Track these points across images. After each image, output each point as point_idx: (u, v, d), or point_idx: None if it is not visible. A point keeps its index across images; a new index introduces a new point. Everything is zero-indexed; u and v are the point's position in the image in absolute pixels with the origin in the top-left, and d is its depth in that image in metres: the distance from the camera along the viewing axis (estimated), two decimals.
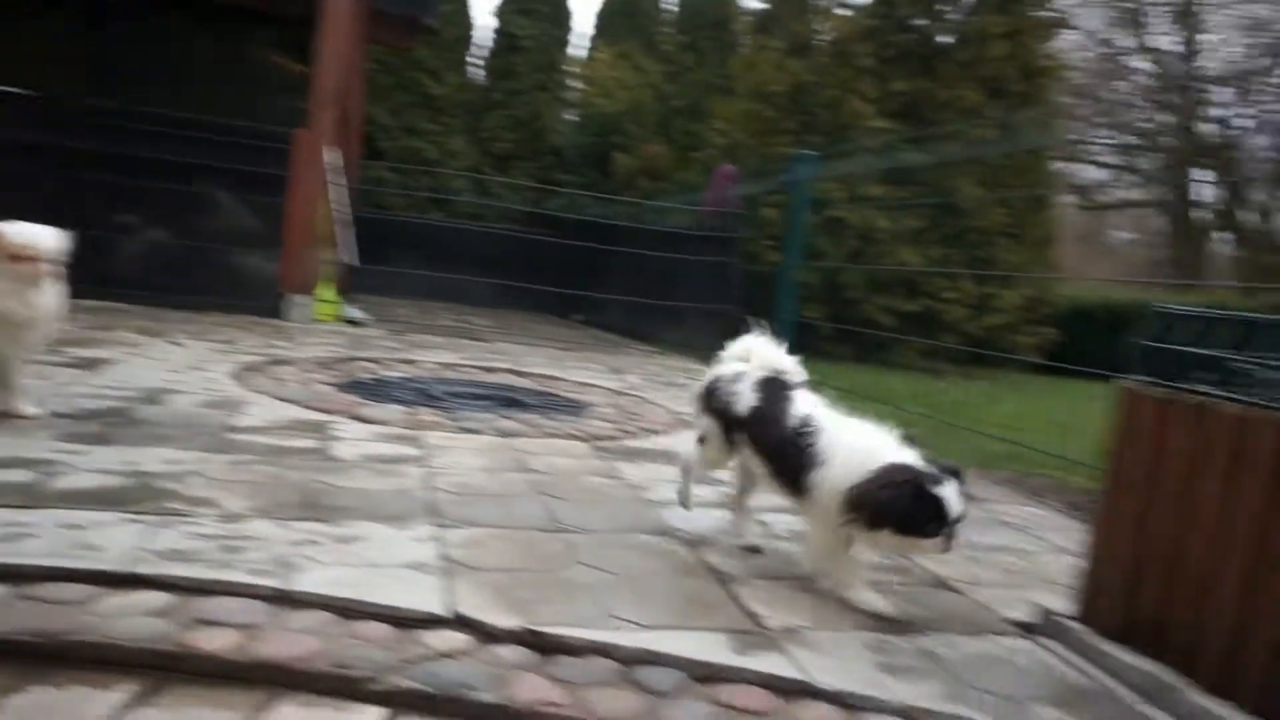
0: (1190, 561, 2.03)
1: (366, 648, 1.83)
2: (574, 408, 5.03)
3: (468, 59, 14.93)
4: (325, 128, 7.48)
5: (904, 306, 10.05)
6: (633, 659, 1.92)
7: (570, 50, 15.48)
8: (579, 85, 14.64)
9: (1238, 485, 1.94)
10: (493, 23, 14.86)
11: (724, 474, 3.52)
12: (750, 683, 1.88)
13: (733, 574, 2.51)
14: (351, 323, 7.95)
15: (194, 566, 2.08)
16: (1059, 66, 10.60)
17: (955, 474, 2.24)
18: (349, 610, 1.98)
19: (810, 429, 2.42)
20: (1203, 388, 2.08)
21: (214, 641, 1.77)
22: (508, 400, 5.04)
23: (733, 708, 1.79)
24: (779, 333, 2.87)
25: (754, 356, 2.77)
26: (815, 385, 2.74)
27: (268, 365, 5.16)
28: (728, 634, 2.09)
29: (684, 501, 2.92)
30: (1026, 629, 2.37)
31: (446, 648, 1.88)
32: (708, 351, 9.05)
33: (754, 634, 2.11)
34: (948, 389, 8.22)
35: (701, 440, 2.83)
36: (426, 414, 4.25)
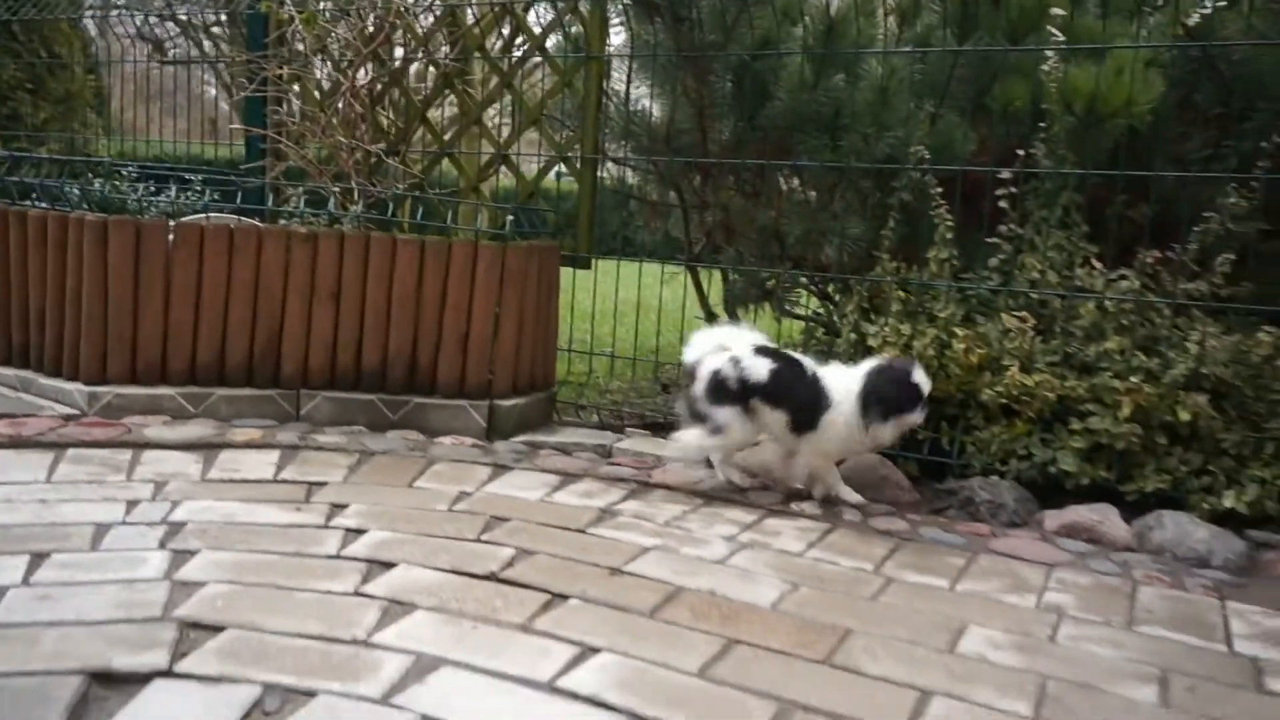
0: (34, 305, 3.46)
1: None
2: None
3: None
4: None
5: None
6: None
7: None
8: None
9: (43, 257, 3.39)
10: None
11: None
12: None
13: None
14: None
15: None
16: None
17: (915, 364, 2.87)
18: None
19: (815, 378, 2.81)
20: (26, 204, 3.50)
21: None
22: None
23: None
24: None
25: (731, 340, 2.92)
26: None
27: None
28: None
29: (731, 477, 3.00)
30: None
31: None
32: None
33: None
34: None
35: (718, 430, 2.85)
36: None
